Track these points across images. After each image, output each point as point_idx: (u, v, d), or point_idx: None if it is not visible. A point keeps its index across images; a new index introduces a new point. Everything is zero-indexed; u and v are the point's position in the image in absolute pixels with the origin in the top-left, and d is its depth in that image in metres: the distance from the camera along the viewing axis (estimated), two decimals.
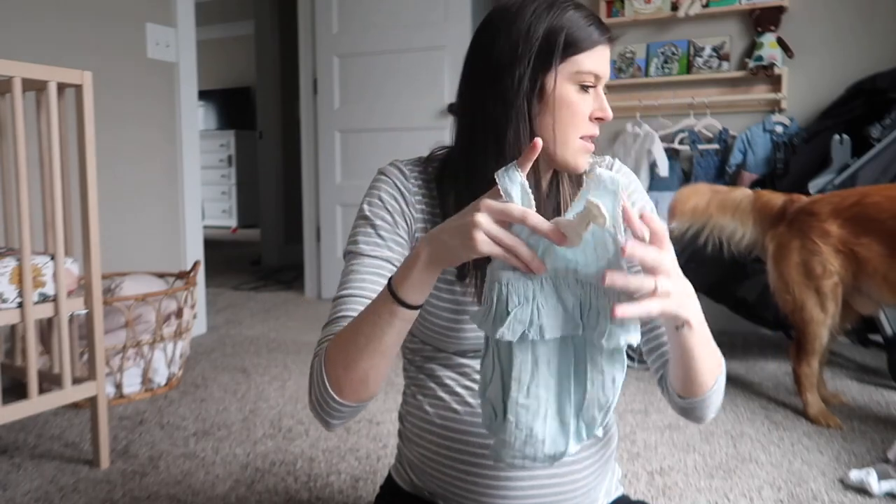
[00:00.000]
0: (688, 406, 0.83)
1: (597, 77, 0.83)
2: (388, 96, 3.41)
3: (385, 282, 0.77)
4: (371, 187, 0.91)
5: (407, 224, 0.89)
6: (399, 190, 0.89)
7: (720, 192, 2.04)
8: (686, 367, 0.78)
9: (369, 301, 0.80)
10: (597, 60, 0.83)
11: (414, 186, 0.90)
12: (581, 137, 0.84)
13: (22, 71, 1.42)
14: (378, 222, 0.88)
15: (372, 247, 0.86)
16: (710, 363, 0.79)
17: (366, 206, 0.89)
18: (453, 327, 0.88)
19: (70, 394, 1.54)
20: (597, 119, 0.84)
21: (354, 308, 0.82)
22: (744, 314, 2.47)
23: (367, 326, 0.74)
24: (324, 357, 0.79)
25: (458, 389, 0.90)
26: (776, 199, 1.96)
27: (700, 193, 2.04)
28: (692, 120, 2.89)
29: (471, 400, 0.89)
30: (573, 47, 0.82)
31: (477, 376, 0.89)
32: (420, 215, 0.89)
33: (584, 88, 0.83)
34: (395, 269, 0.85)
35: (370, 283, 0.84)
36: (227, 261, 5.19)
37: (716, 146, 2.84)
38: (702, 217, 2.02)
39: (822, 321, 1.84)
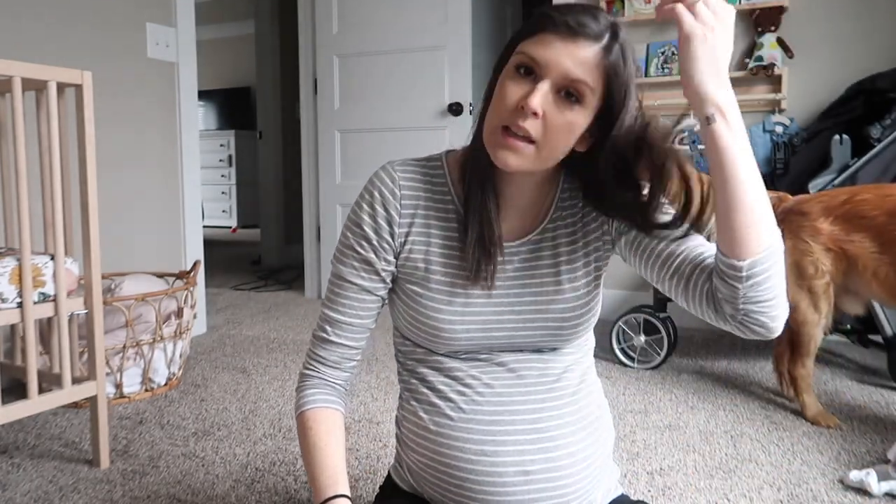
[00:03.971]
0: (733, 281, 0.73)
1: (534, 61, 0.77)
2: (388, 96, 3.41)
3: (366, 308, 0.93)
4: (358, 200, 0.93)
5: (391, 243, 0.91)
6: (383, 208, 0.90)
7: (705, 182, 2.02)
8: (728, 192, 0.72)
9: (352, 326, 0.93)
10: (539, 47, 0.77)
11: (407, 187, 0.91)
12: (505, 131, 0.78)
13: (22, 70, 1.42)
14: (360, 252, 0.91)
15: (353, 276, 0.92)
16: (758, 200, 0.73)
17: (348, 233, 0.93)
18: (445, 328, 0.88)
19: (70, 394, 1.54)
20: (521, 109, 0.77)
21: (338, 333, 0.94)
22: None
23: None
24: (297, 416, 0.94)
25: (452, 395, 0.90)
26: None
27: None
28: (692, 120, 2.87)
29: (464, 406, 0.89)
30: (524, 33, 0.80)
31: (470, 381, 0.89)
32: (409, 211, 0.91)
33: (519, 71, 0.78)
34: (376, 297, 0.93)
35: (352, 308, 0.93)
36: (227, 261, 5.19)
37: None
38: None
39: (816, 322, 1.84)
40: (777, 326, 0.76)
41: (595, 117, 0.81)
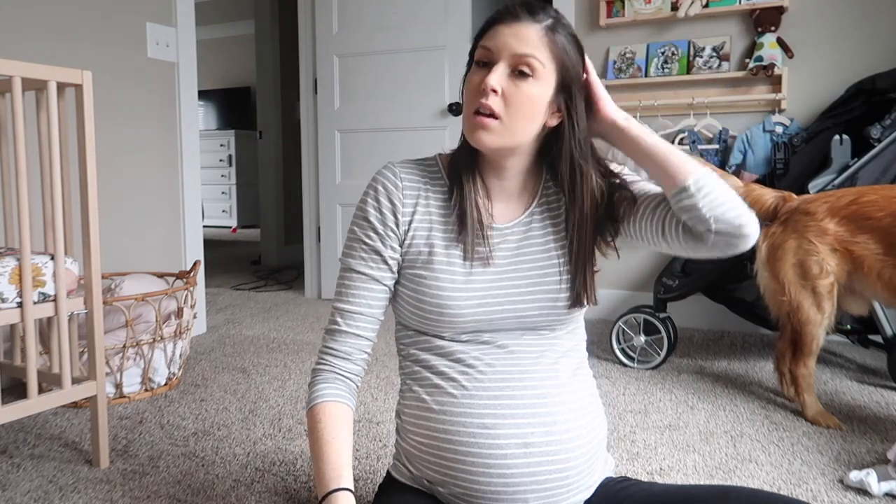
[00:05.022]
0: (689, 200, 0.88)
1: (487, 51, 0.90)
2: (388, 96, 3.41)
3: (376, 297, 0.98)
4: (363, 197, 1.01)
5: (396, 231, 0.98)
6: (388, 200, 0.98)
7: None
8: (653, 158, 0.91)
9: (363, 316, 0.98)
10: (490, 38, 0.90)
11: (408, 179, 1.00)
12: (475, 114, 0.90)
13: (22, 70, 1.42)
14: (367, 242, 0.98)
15: (362, 266, 0.98)
16: (672, 152, 0.90)
17: (355, 227, 1.00)
18: (450, 304, 0.93)
19: (70, 393, 1.54)
20: (482, 90, 0.88)
21: (349, 323, 0.98)
22: (743, 314, 2.47)
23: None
24: (307, 411, 0.97)
25: (455, 375, 0.94)
26: (767, 195, 1.94)
27: None
28: (692, 120, 2.88)
29: (467, 384, 0.93)
30: (479, 35, 0.93)
31: (472, 362, 0.94)
32: (411, 201, 0.99)
33: (480, 63, 0.91)
34: (384, 287, 0.98)
35: (363, 298, 0.98)
36: (227, 261, 5.19)
37: (716, 146, 2.84)
38: None
39: (819, 322, 1.84)
40: (750, 231, 0.88)
41: (557, 91, 0.92)
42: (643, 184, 1.00)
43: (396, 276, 0.99)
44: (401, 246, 0.98)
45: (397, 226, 0.97)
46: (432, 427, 0.93)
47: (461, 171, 0.98)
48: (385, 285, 0.98)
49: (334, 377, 0.98)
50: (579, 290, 0.96)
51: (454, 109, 3.24)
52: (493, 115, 0.89)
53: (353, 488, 0.89)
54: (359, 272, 0.98)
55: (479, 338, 0.95)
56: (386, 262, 0.98)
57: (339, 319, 0.98)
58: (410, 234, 0.97)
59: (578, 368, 1.00)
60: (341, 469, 0.90)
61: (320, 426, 0.93)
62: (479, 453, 0.89)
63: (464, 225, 0.95)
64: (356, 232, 0.99)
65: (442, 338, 0.96)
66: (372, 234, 0.98)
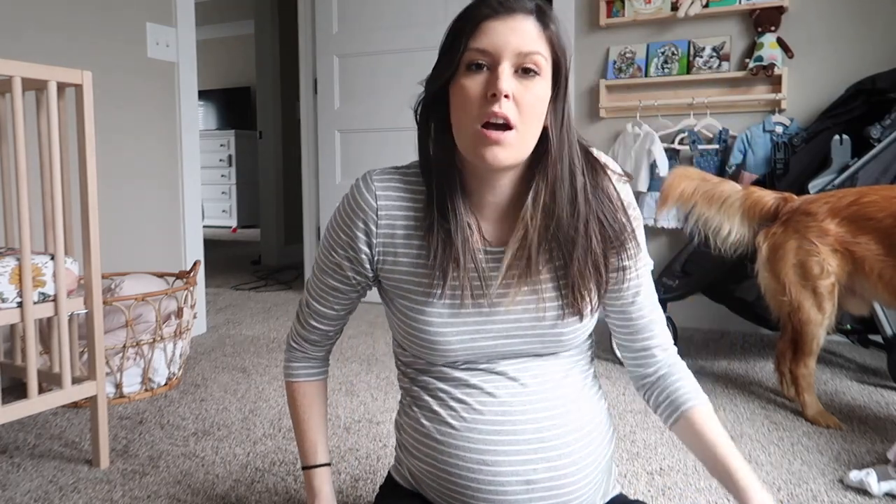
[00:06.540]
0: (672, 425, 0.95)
1: (483, 52, 0.78)
2: (388, 96, 3.41)
3: (347, 300, 0.98)
4: (337, 211, 0.94)
5: (368, 251, 0.91)
6: (363, 223, 0.90)
7: (709, 181, 2.01)
8: (713, 470, 0.91)
9: (331, 313, 0.99)
10: (485, 37, 0.78)
11: (385, 199, 0.89)
12: (483, 126, 0.78)
13: (22, 70, 1.42)
14: (334, 258, 0.95)
15: (330, 279, 0.96)
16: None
17: (325, 245, 0.96)
18: (439, 340, 0.87)
19: (70, 393, 1.54)
20: (492, 97, 0.77)
21: (319, 319, 1.01)
22: (744, 314, 2.47)
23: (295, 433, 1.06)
24: (285, 383, 1.06)
25: (453, 404, 0.89)
26: (767, 197, 1.94)
27: (689, 178, 2.01)
28: (692, 120, 2.88)
29: (466, 415, 0.88)
30: (464, 35, 0.81)
31: (470, 390, 0.89)
32: (388, 222, 0.89)
33: (472, 67, 0.80)
34: (354, 294, 0.98)
35: (328, 301, 0.99)
36: (227, 261, 5.19)
37: (716, 146, 2.84)
38: (688, 203, 1.99)
39: (820, 322, 1.84)
40: None
41: (551, 88, 0.83)
42: (649, 295, 0.94)
43: (369, 281, 0.95)
44: (376, 267, 0.92)
45: (370, 247, 0.90)
46: (433, 456, 0.89)
47: (445, 192, 0.85)
48: (355, 293, 0.98)
49: (305, 357, 1.05)
50: (584, 309, 0.87)
51: None
52: (507, 125, 0.77)
53: (328, 461, 1.03)
54: (328, 283, 0.96)
55: (476, 365, 0.89)
56: (356, 280, 0.94)
57: (308, 319, 1.01)
58: (390, 258, 0.90)
59: (586, 382, 0.95)
60: (316, 446, 1.03)
61: (296, 404, 1.04)
62: (480, 489, 0.85)
63: (450, 255, 0.84)
64: (326, 249, 0.95)
65: (438, 364, 0.91)
66: (342, 262, 0.93)
